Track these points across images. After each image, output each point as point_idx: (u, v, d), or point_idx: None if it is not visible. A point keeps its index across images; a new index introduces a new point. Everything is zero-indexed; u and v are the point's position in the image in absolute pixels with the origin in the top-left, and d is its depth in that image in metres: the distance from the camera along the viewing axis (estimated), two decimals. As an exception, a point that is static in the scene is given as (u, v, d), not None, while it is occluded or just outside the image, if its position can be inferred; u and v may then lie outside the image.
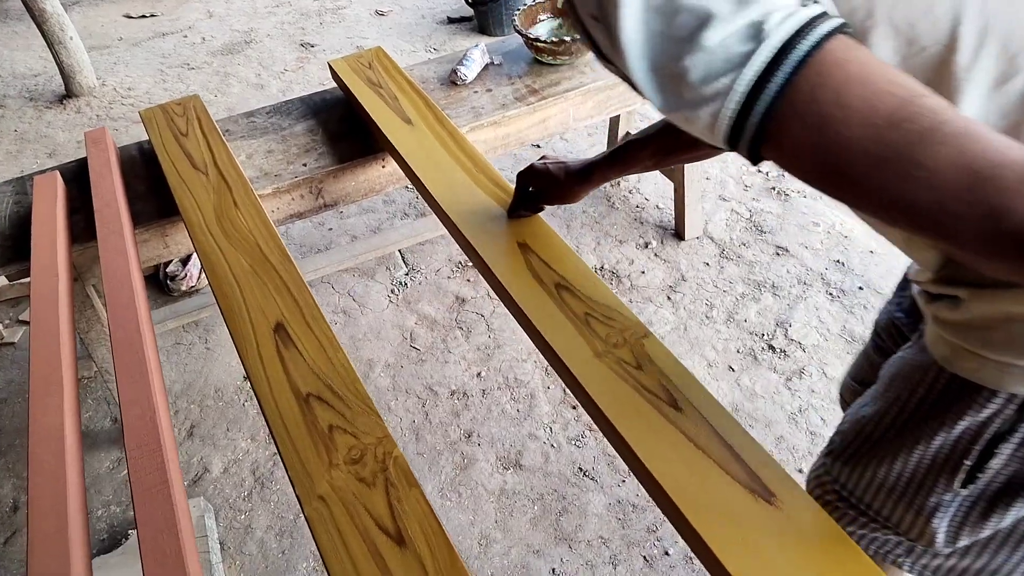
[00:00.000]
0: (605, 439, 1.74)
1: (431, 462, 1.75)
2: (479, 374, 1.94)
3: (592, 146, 2.72)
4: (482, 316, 2.10)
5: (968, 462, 0.73)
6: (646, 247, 2.26)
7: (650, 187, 2.47)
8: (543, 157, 1.24)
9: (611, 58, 0.59)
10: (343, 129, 1.78)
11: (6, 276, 1.53)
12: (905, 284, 1.01)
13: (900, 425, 0.80)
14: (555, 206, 1.92)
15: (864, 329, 1.94)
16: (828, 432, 1.73)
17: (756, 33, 0.50)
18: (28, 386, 1.16)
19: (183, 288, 2.21)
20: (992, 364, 0.67)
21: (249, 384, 1.10)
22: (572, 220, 2.39)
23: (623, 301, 2.06)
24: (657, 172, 2.43)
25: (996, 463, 0.71)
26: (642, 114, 2.71)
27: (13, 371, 2.07)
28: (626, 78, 0.59)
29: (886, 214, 0.50)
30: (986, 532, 0.77)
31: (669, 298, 2.09)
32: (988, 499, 0.75)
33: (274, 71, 3.42)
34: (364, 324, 2.11)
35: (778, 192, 2.40)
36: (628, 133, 2.45)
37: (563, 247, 1.25)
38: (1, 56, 3.74)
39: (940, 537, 0.80)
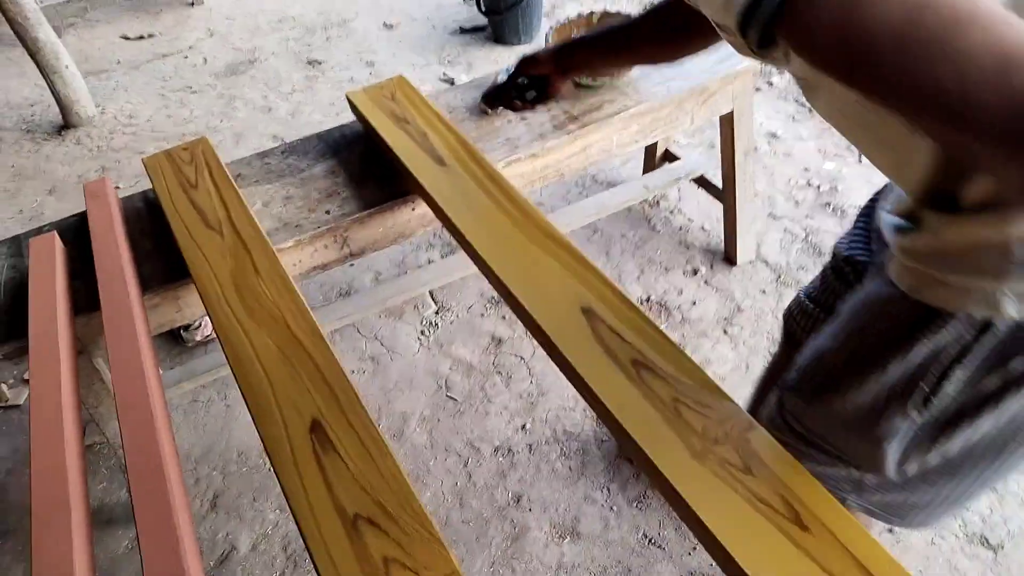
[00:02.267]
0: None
1: (479, 532, 1.59)
2: (524, 426, 1.78)
3: (626, 163, 2.55)
4: (522, 359, 1.93)
5: (925, 387, 0.75)
6: (695, 274, 2.09)
7: (693, 207, 2.30)
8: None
9: None
10: (366, 169, 1.61)
11: (3, 354, 1.38)
12: (865, 219, 1.00)
13: (861, 357, 0.81)
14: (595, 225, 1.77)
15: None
16: (917, 484, 1.56)
17: None
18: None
19: (198, 338, 2.06)
20: (957, 289, 0.68)
21: (283, 496, 0.94)
22: (611, 246, 2.22)
23: (676, 337, 1.90)
24: (701, 190, 2.26)
25: (951, 388, 0.74)
26: (676, 140, 2.54)
27: (20, 437, 1.92)
28: None
29: (904, 100, 0.47)
30: (932, 459, 0.80)
31: (726, 332, 1.92)
32: (938, 425, 0.77)
33: (281, 92, 3.26)
34: (395, 372, 1.95)
35: (833, 208, 2.23)
36: (667, 151, 2.28)
37: (635, 311, 1.09)
38: (-4, 86, 3.60)
39: (890, 465, 0.83)
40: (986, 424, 0.75)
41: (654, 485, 0.94)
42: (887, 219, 0.79)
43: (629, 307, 1.09)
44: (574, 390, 1.82)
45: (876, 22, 0.45)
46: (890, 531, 1.50)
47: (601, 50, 1.18)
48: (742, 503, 0.85)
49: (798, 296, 1.16)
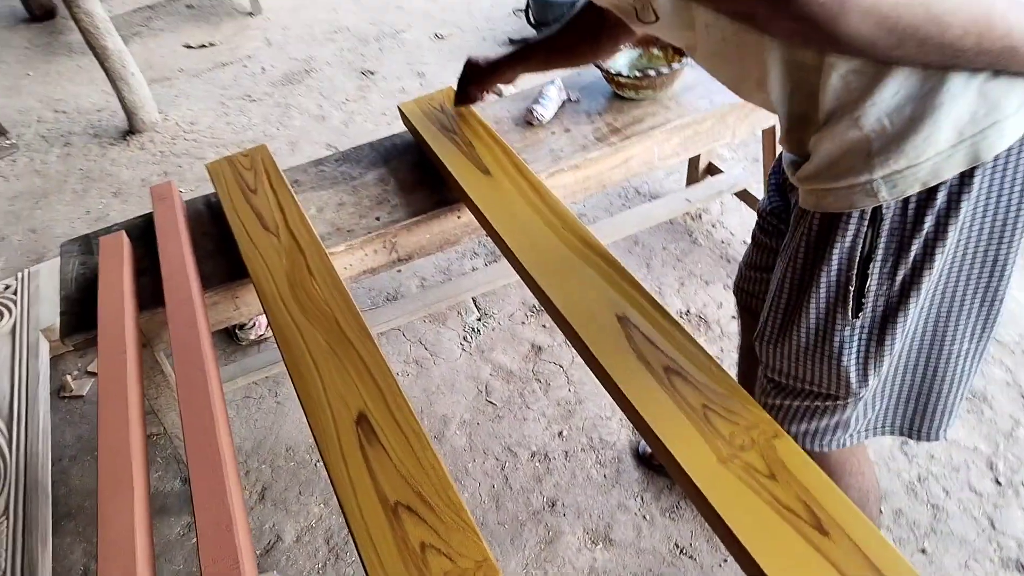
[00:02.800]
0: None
1: (513, 534, 1.63)
2: (560, 433, 1.82)
3: (669, 175, 2.58)
4: (560, 367, 1.98)
5: (851, 287, 0.87)
6: (734, 288, 2.11)
7: (735, 220, 2.32)
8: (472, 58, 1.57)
9: None
10: (415, 177, 1.68)
11: (73, 345, 1.47)
12: (775, 175, 1.12)
13: (799, 283, 0.92)
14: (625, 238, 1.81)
15: (986, 383, 1.76)
16: (952, 505, 1.56)
17: None
18: (97, 454, 1.09)
19: (252, 337, 2.15)
20: (843, 190, 0.80)
21: (330, 482, 1.00)
22: (652, 258, 2.25)
23: (714, 350, 1.93)
24: (743, 204, 2.28)
25: (873, 285, 0.85)
26: (720, 155, 2.56)
27: (83, 427, 2.03)
28: None
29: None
30: (886, 362, 0.91)
31: (763, 346, 1.93)
32: (879, 326, 0.89)
33: (335, 101, 3.37)
34: (437, 376, 2.01)
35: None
36: (710, 164, 2.30)
37: (669, 320, 1.13)
38: (67, 92, 3.78)
39: (853, 377, 0.93)
40: (913, 314, 0.87)
41: (682, 488, 0.97)
42: (786, 159, 0.91)
43: (663, 315, 1.13)
44: (611, 399, 1.86)
45: None
46: (923, 551, 1.50)
47: (526, 61, 1.45)
48: (765, 507, 0.88)
49: (739, 267, 1.28)
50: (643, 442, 1.72)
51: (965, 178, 0.76)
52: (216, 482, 1.01)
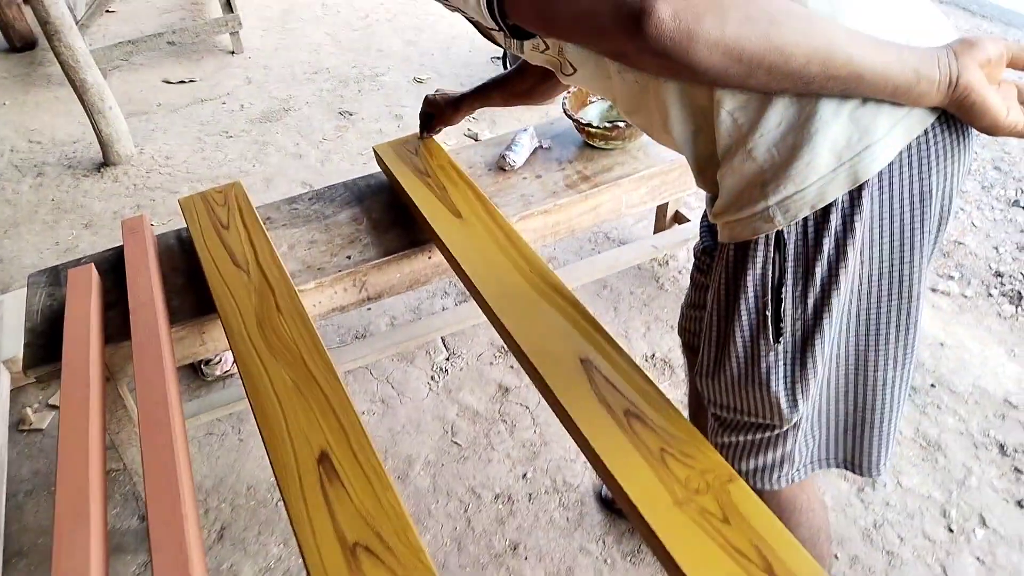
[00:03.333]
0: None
1: (475, 576, 1.63)
2: (525, 475, 1.82)
3: (638, 221, 2.63)
4: (527, 408, 1.99)
5: (768, 313, 0.90)
6: (699, 334, 2.14)
7: (700, 268, 2.37)
8: (437, 90, 1.75)
9: None
10: (388, 218, 1.70)
11: (35, 377, 1.46)
12: (705, 216, 1.15)
13: (724, 314, 0.96)
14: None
15: (939, 432, 1.80)
16: (906, 551, 1.58)
17: None
18: (55, 488, 1.08)
19: (217, 373, 2.14)
20: (747, 219, 0.85)
21: (289, 521, 1.00)
22: (619, 302, 2.29)
23: (677, 395, 1.95)
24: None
25: (788, 309, 0.89)
26: (687, 203, 2.62)
27: (41, 461, 1.99)
28: None
29: (574, 34, 0.82)
30: (811, 385, 0.94)
31: (726, 392, 1.97)
32: (800, 349, 0.92)
33: (313, 140, 3.40)
34: (403, 415, 2.01)
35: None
36: (677, 212, 2.36)
37: (629, 364, 1.15)
38: (43, 122, 3.77)
39: (783, 402, 0.96)
40: (830, 335, 0.91)
41: (637, 530, 0.99)
42: (707, 199, 0.96)
43: (625, 360, 1.16)
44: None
45: None
46: (880, 596, 1.52)
47: (480, 101, 1.64)
48: (718, 551, 0.90)
49: (681, 308, 1.33)
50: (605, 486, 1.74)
51: (855, 200, 0.81)
52: (174, 520, 1.01)
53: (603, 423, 1.06)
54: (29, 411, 2.11)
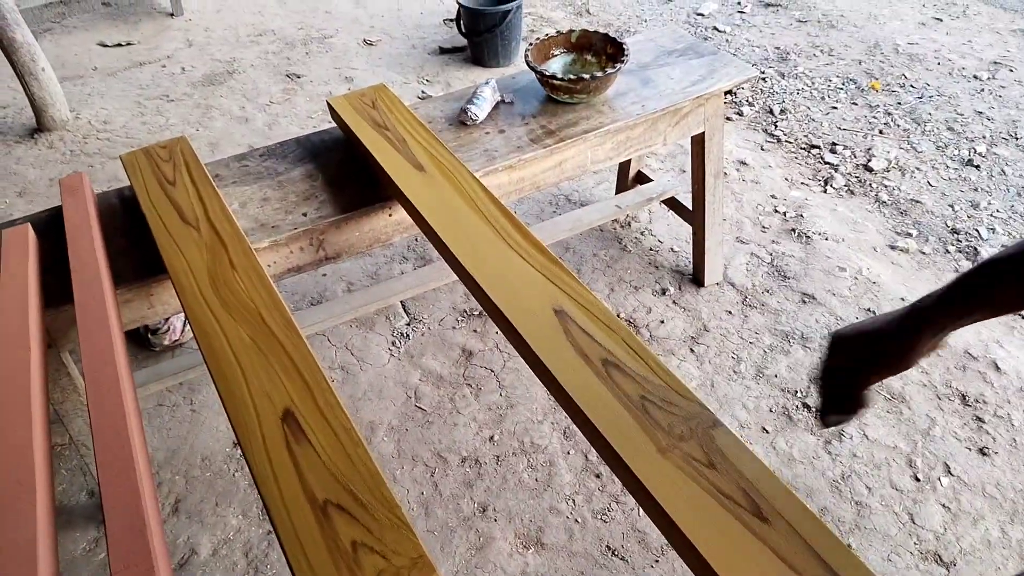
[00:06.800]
0: (635, 513, 1.60)
1: (443, 541, 1.59)
2: (491, 438, 1.78)
3: (599, 183, 2.59)
4: (492, 372, 1.95)
5: None
6: (663, 294, 2.12)
7: (663, 228, 2.35)
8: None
9: None
10: (345, 174, 1.63)
11: (-32, 345, 1.36)
12: None
13: None
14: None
15: (903, 384, 1.82)
16: (875, 501, 1.60)
17: None
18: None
19: (166, 343, 2.04)
20: None
21: (248, 471, 0.94)
22: (583, 264, 2.26)
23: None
24: (671, 213, 2.31)
25: None
26: (657, 154, 2.60)
27: (-24, 437, 1.88)
28: None
29: None
30: None
31: (692, 350, 1.95)
32: None
33: (259, 103, 3.27)
34: (364, 382, 1.95)
35: (799, 234, 2.29)
36: (640, 173, 2.33)
37: (606, 313, 1.12)
38: (-32, 87, 3.55)
39: None
40: None
41: (621, 480, 0.96)
42: None
43: (599, 309, 1.12)
44: (542, 403, 1.85)
45: None
46: (848, 547, 1.53)
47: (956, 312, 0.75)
48: (705, 496, 0.87)
49: None
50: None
51: None
52: (129, 485, 0.94)
53: (581, 374, 1.03)
54: (-37, 387, 1.98)
